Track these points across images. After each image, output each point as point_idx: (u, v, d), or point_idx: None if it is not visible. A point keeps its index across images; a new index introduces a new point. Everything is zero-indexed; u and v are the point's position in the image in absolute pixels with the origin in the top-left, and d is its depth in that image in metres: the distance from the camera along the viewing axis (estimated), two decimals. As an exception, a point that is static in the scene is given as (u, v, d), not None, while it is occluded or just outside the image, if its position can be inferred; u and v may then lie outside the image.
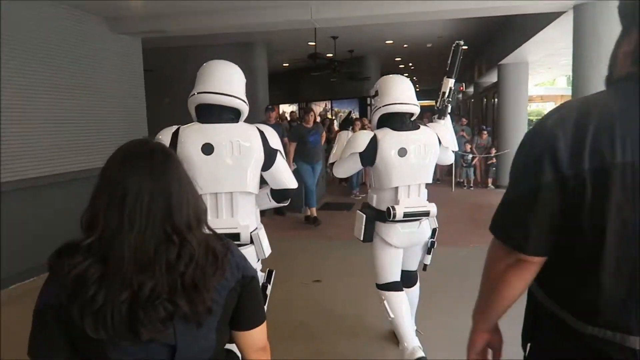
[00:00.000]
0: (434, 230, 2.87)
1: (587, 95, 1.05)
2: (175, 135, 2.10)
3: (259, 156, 2.16)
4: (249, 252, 2.12)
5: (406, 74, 21.56)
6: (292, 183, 2.31)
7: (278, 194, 2.36)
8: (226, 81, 2.16)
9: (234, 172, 2.11)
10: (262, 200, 2.37)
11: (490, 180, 10.12)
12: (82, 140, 5.28)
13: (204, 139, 2.09)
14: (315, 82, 15.33)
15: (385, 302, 2.76)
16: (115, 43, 5.87)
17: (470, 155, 9.95)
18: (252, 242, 2.19)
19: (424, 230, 2.79)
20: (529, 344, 1.19)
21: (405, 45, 11.59)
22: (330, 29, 9.20)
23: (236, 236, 2.08)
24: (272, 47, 10.77)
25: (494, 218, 1.10)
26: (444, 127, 2.84)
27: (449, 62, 2.89)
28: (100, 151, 5.49)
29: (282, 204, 2.47)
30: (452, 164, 9.94)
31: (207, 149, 2.08)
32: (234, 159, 2.10)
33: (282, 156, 2.27)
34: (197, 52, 10.66)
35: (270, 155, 2.20)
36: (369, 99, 2.90)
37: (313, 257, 5.20)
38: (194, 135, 2.10)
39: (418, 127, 2.69)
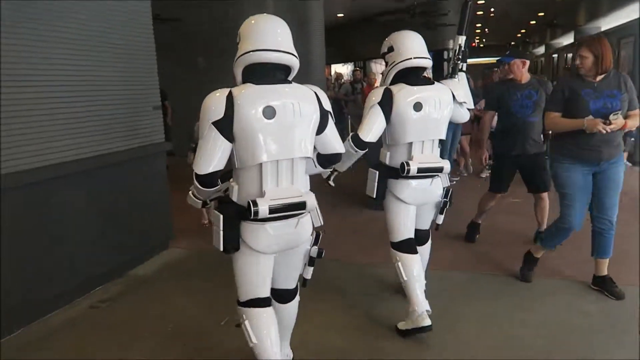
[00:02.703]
0: (447, 190, 2.89)
1: None
2: (229, 98, 1.91)
3: (317, 119, 2.08)
4: (307, 221, 2.15)
5: (479, 24, 18.87)
6: (341, 147, 2.24)
7: (324, 158, 2.23)
8: (279, 37, 2.03)
9: (296, 137, 2.02)
10: (308, 166, 2.19)
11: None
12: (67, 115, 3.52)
13: (264, 102, 1.94)
14: (373, 36, 13.26)
15: (399, 263, 2.82)
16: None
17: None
18: None
19: (436, 187, 2.86)
20: None
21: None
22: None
23: (302, 205, 2.03)
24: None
25: None
26: (458, 84, 2.89)
27: (459, 19, 2.97)
28: (93, 133, 3.75)
29: (326, 170, 2.39)
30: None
31: (269, 112, 1.94)
32: (295, 122, 2.00)
33: (333, 118, 2.18)
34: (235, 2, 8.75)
35: (323, 118, 2.11)
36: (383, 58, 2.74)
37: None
38: (252, 98, 1.94)
39: (432, 83, 2.78)
